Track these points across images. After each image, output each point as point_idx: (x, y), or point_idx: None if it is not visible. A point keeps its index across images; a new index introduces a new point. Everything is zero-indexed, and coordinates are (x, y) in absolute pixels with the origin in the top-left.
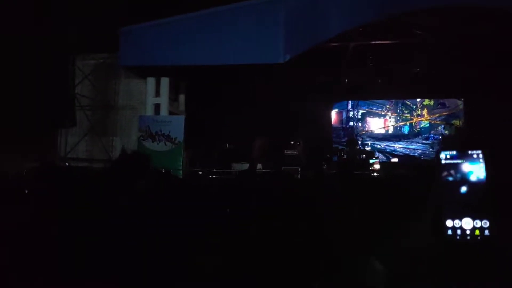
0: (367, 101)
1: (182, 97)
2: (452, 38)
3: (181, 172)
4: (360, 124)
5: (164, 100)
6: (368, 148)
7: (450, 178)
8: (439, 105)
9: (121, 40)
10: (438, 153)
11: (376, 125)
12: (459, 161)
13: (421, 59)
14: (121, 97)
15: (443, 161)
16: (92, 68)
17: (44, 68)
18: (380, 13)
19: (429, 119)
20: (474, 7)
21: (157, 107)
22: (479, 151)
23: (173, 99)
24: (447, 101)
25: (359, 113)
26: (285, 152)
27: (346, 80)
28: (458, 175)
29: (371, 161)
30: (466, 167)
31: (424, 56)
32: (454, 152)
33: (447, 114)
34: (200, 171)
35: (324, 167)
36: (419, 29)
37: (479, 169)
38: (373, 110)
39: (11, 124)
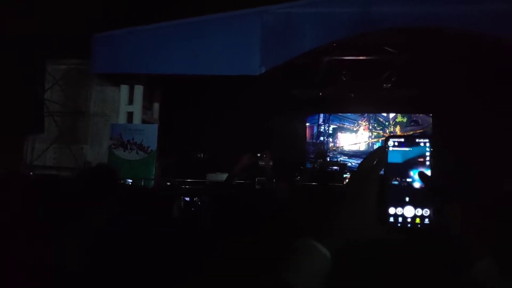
0: (339, 116)
1: (156, 105)
2: (422, 55)
3: (152, 182)
4: (331, 139)
5: (137, 108)
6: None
7: (395, 164)
8: (412, 122)
9: (94, 46)
10: (386, 139)
11: (347, 141)
12: (406, 148)
13: (392, 75)
14: (92, 104)
15: (390, 148)
16: (63, 73)
17: (11, 71)
18: (352, 31)
19: None
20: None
21: (130, 115)
22: (427, 139)
23: (147, 107)
24: (420, 119)
25: (330, 128)
26: (259, 163)
27: (320, 94)
28: (403, 162)
29: (345, 175)
30: (412, 154)
31: (394, 73)
32: (402, 139)
33: (420, 132)
34: (170, 181)
35: (297, 178)
36: (389, 46)
37: (425, 157)
38: (345, 126)
39: None
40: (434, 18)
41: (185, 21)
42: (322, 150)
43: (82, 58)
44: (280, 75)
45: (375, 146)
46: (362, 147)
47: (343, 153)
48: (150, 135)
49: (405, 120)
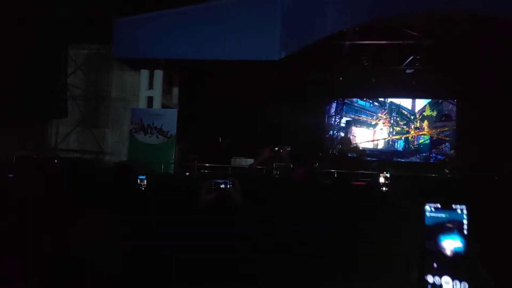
0: (355, 107)
1: (175, 90)
2: (446, 39)
3: (172, 166)
4: (342, 134)
5: (157, 92)
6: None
7: (433, 232)
8: (444, 117)
9: (115, 31)
10: (423, 204)
11: (363, 136)
12: (442, 215)
13: (415, 60)
14: (113, 88)
15: (427, 214)
16: (85, 58)
17: (35, 56)
18: (374, 14)
19: (431, 134)
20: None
21: (150, 99)
22: (463, 206)
23: (166, 92)
24: (453, 113)
25: (343, 121)
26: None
27: (341, 78)
28: (441, 230)
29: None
30: (449, 222)
31: (417, 57)
32: (439, 205)
33: (453, 129)
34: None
35: (316, 165)
36: (412, 30)
37: (462, 225)
38: (361, 118)
39: (3, 112)
40: (460, 1)
41: (205, 5)
42: (346, 138)
43: (104, 43)
44: (300, 60)
45: (397, 145)
46: (381, 145)
47: (356, 151)
48: (169, 120)
49: (434, 114)
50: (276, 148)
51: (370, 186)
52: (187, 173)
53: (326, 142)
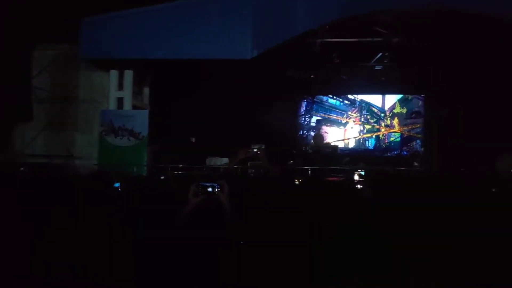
0: (325, 106)
1: (146, 90)
2: (414, 36)
3: (145, 168)
4: (313, 133)
5: (127, 93)
6: None
7: None
8: (414, 114)
9: (83, 31)
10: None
11: (333, 135)
12: None
13: (384, 57)
14: (82, 90)
15: None
16: (51, 59)
17: None
18: (345, 12)
19: (402, 131)
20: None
21: (120, 101)
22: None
23: (137, 92)
24: (422, 109)
25: (313, 119)
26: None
27: (312, 76)
28: None
29: None
30: None
31: (387, 54)
32: None
33: (423, 125)
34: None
35: (290, 162)
36: (382, 28)
37: None
38: (332, 117)
39: None
40: None
41: (175, 4)
42: (319, 134)
43: (70, 43)
44: (273, 58)
45: (368, 143)
46: (352, 143)
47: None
48: (141, 121)
49: (404, 111)
50: (251, 149)
51: (343, 181)
52: (162, 177)
53: (299, 140)
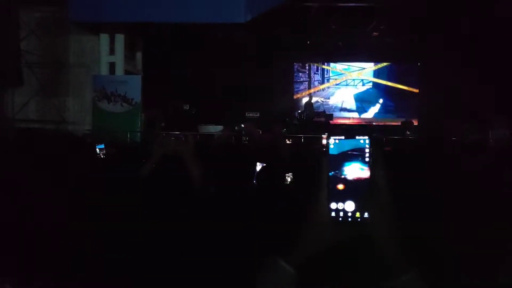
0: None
1: (139, 55)
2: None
3: (138, 135)
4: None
5: (119, 58)
6: None
7: (337, 160)
8: None
9: None
10: (327, 138)
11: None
12: (345, 145)
13: (381, 23)
14: (72, 54)
15: (331, 145)
16: (39, 22)
17: None
18: None
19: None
20: None
21: (112, 66)
22: (366, 137)
23: (129, 57)
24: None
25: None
26: (246, 115)
27: (308, 42)
28: (344, 158)
29: None
30: (352, 150)
31: (382, 21)
32: (343, 137)
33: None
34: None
35: (284, 131)
36: None
37: (364, 153)
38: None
39: None
40: None
41: None
42: (309, 102)
43: (59, 5)
44: (267, 23)
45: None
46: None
47: None
48: (134, 87)
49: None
50: (242, 125)
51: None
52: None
53: (293, 107)
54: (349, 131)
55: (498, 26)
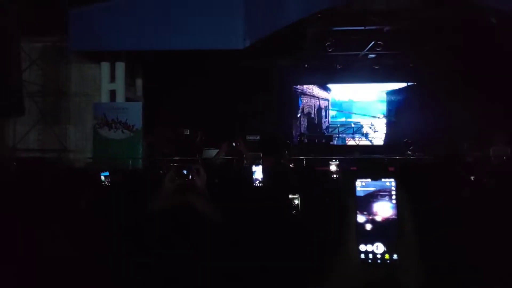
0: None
1: (139, 82)
2: (406, 24)
3: (140, 161)
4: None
5: (120, 85)
6: None
7: (364, 202)
8: None
9: (71, 22)
10: (354, 180)
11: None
12: (372, 187)
13: (377, 45)
14: (73, 83)
15: (358, 188)
16: (40, 52)
17: None
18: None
19: None
20: None
21: (112, 93)
22: (392, 179)
23: (129, 84)
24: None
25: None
26: (247, 138)
27: (306, 66)
28: (371, 199)
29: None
30: (379, 191)
31: (379, 42)
32: (369, 180)
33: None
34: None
35: (286, 153)
36: (374, 15)
37: (391, 194)
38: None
39: None
40: None
41: None
42: (311, 124)
43: (59, 35)
44: (265, 48)
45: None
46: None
47: None
48: (134, 113)
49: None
50: (233, 144)
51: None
52: (161, 171)
53: (294, 129)
54: (360, 161)
55: (499, 47)
